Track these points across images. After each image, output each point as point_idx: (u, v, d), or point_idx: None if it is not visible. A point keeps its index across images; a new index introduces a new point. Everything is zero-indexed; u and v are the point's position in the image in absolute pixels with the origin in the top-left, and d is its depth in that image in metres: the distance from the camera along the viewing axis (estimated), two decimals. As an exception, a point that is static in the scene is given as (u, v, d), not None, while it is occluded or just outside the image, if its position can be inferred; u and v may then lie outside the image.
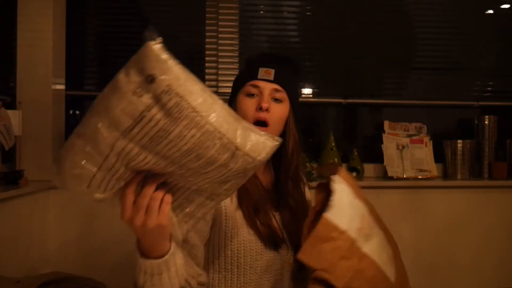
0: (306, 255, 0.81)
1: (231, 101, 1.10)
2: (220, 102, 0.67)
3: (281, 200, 1.07)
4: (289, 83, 1.08)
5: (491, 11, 2.33)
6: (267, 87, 1.04)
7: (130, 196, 0.70)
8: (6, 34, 1.86)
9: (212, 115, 0.64)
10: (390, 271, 0.88)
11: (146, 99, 0.61)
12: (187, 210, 0.77)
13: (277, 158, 1.05)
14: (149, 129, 0.62)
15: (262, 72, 1.05)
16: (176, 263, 0.78)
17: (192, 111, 0.62)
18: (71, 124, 2.02)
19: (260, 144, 0.71)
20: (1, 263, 1.38)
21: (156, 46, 0.61)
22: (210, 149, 0.65)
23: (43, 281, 1.27)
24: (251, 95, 1.05)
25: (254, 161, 0.71)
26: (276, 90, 1.05)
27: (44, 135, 1.74)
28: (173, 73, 0.61)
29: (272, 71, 1.05)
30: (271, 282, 1.01)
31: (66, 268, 1.56)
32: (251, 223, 1.00)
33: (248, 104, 1.04)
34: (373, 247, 0.86)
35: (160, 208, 0.71)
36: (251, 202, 1.01)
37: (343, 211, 0.84)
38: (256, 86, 1.04)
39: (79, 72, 2.14)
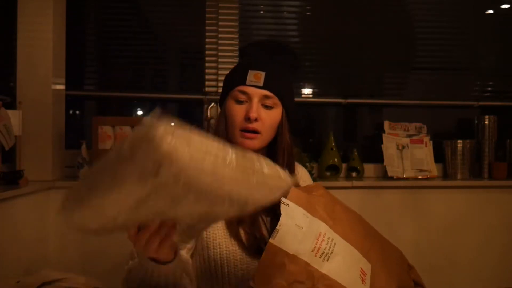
0: (257, 284, 0.78)
1: (222, 100, 1.05)
2: (232, 163, 0.58)
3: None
4: (281, 86, 1.00)
5: (491, 11, 2.33)
6: (256, 94, 0.97)
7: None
8: (6, 34, 1.86)
9: (226, 184, 0.58)
10: None
11: (150, 184, 0.55)
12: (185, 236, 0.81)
13: None
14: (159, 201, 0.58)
15: (251, 76, 0.97)
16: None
17: (202, 189, 0.57)
18: (71, 124, 2.02)
19: (268, 192, 0.66)
20: (1, 263, 1.38)
21: (163, 133, 0.52)
22: (220, 206, 0.61)
23: (43, 281, 1.27)
24: (239, 101, 0.98)
25: (260, 206, 0.67)
26: (266, 97, 0.98)
27: (44, 135, 1.74)
28: (181, 161, 0.53)
29: (262, 75, 0.97)
30: None
31: (66, 268, 1.56)
32: (233, 233, 0.95)
33: (237, 112, 0.98)
34: (335, 266, 0.81)
35: (161, 243, 0.70)
36: None
37: (291, 235, 0.80)
38: (244, 93, 0.98)
39: (79, 72, 2.14)
